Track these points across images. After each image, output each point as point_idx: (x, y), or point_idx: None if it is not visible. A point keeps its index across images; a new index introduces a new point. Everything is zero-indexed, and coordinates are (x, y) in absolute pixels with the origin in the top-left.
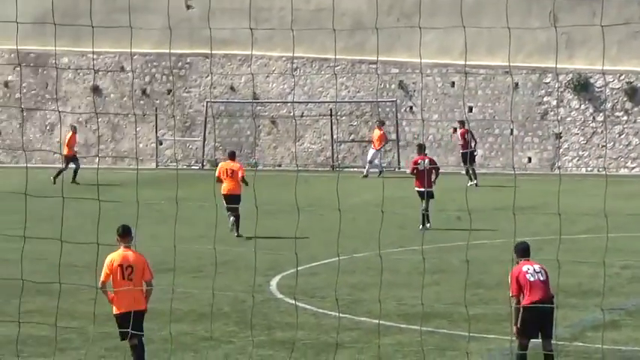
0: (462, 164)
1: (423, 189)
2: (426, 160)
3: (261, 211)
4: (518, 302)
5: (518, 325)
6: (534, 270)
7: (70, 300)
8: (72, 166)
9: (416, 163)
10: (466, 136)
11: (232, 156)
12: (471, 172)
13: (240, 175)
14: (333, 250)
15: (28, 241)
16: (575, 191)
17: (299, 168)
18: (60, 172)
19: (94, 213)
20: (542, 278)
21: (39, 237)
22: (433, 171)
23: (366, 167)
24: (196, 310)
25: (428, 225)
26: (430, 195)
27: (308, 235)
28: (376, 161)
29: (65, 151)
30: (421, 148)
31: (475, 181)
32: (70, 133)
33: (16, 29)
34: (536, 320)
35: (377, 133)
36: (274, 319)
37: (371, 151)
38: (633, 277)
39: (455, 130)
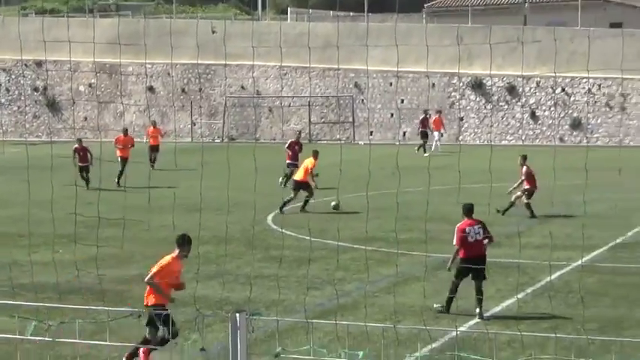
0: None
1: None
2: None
3: (261, 170)
4: (459, 249)
5: (455, 274)
6: (474, 232)
7: None
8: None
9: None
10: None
11: (125, 131)
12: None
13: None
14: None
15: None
16: (473, 156)
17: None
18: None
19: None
20: (478, 237)
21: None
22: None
23: (434, 145)
24: (217, 236)
25: None
26: None
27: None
28: (436, 141)
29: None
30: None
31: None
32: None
33: (93, 48)
34: (468, 270)
35: (436, 119)
36: (269, 242)
37: (436, 134)
38: (508, 213)
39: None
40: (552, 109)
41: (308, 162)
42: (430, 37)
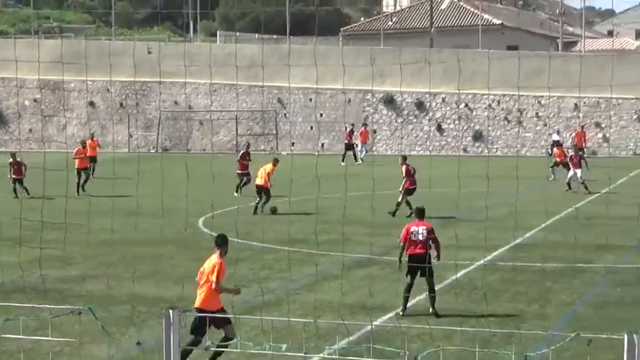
0: None
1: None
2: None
3: (192, 178)
4: (403, 246)
5: (406, 272)
6: (418, 231)
7: None
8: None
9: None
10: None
11: (83, 143)
12: None
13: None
14: (236, 200)
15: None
16: (386, 164)
17: (215, 151)
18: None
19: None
20: (421, 238)
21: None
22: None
23: (360, 155)
24: (152, 238)
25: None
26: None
27: (222, 192)
28: (362, 152)
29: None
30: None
31: None
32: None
33: (38, 66)
34: (415, 269)
35: (362, 131)
36: (200, 244)
37: (360, 145)
38: None
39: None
40: (456, 122)
41: (268, 168)
42: (346, 58)
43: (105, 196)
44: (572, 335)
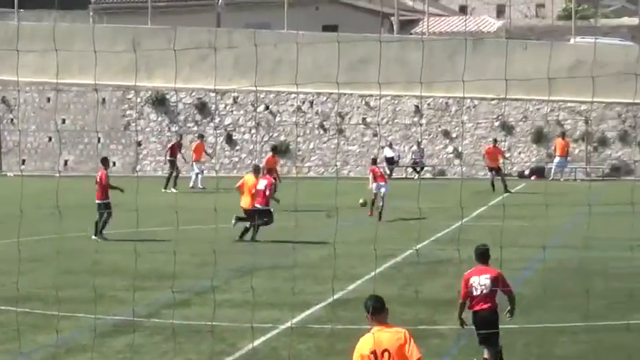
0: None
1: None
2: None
3: None
4: (463, 304)
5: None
6: (479, 282)
7: None
8: None
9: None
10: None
11: None
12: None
13: None
14: None
15: None
16: (152, 191)
17: None
18: None
19: None
20: (485, 291)
21: None
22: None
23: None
24: None
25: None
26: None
27: None
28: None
29: None
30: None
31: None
32: None
33: None
34: (479, 326)
35: (198, 145)
36: None
37: (194, 165)
38: (202, 263)
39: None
40: (253, 131)
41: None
42: (99, 41)
43: None
44: None
